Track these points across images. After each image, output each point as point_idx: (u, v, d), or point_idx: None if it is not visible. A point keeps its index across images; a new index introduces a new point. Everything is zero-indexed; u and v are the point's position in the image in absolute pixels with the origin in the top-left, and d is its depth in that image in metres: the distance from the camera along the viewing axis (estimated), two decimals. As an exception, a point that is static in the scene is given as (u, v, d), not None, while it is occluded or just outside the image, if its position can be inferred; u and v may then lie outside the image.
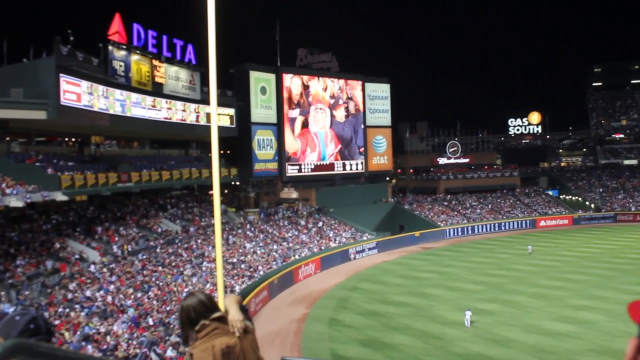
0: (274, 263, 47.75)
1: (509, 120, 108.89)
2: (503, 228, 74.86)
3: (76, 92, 35.76)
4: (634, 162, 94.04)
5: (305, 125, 69.52)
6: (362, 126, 76.06)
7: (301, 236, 56.55)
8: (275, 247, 51.62)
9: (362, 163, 75.92)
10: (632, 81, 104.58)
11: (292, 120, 68.04)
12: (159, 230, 44.42)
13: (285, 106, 67.21)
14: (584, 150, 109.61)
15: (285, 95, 67.15)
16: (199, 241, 45.09)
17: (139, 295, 32.00)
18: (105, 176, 38.81)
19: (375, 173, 78.01)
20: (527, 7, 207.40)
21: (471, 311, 33.46)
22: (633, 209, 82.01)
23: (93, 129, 42.27)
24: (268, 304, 40.36)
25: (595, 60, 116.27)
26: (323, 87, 71.53)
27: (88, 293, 29.75)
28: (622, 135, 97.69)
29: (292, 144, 68.02)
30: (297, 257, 51.11)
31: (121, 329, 26.82)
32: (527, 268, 48.92)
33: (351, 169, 74.75)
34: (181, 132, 50.43)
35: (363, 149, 75.74)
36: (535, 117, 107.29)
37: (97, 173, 38.49)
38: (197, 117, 50.70)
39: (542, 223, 77.26)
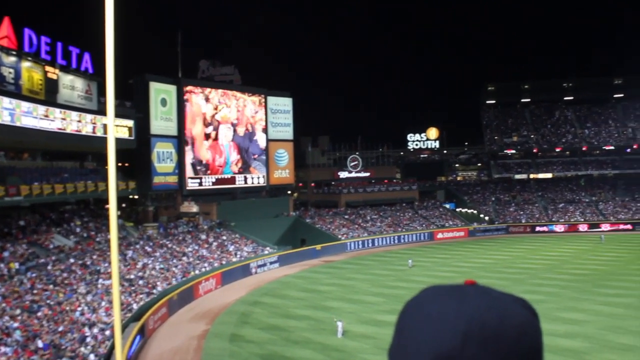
0: (174, 279, 46.61)
1: (408, 135, 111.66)
2: (402, 240, 76.55)
3: (-40, 99, 33.54)
4: (523, 176, 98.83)
5: (215, 138, 69.31)
6: (265, 139, 75.69)
7: (202, 251, 55.54)
8: (174, 262, 50.42)
9: (263, 177, 75.49)
10: (522, 100, 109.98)
11: (207, 136, 67.93)
12: (51, 246, 42.27)
13: (199, 124, 67.11)
14: (479, 165, 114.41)
15: (193, 114, 66.50)
16: (94, 257, 43.29)
17: (26, 316, 30.24)
18: (-8, 189, 36.61)
19: (277, 187, 77.79)
20: (427, 26, 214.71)
21: (342, 322, 33.97)
22: (523, 220, 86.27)
23: (-22, 139, 39.78)
24: (167, 321, 39.27)
25: (489, 79, 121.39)
26: (228, 107, 70.99)
27: (-29, 314, 27.83)
28: (513, 151, 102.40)
29: (204, 152, 67.76)
30: (197, 272, 50.12)
31: (5, 355, 25.23)
32: (426, 280, 50.13)
33: (252, 183, 74.18)
34: (76, 143, 48.30)
35: (257, 155, 75.01)
36: (433, 132, 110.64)
37: (-17, 186, 36.25)
38: (94, 128, 48.80)
39: (440, 235, 79.74)
